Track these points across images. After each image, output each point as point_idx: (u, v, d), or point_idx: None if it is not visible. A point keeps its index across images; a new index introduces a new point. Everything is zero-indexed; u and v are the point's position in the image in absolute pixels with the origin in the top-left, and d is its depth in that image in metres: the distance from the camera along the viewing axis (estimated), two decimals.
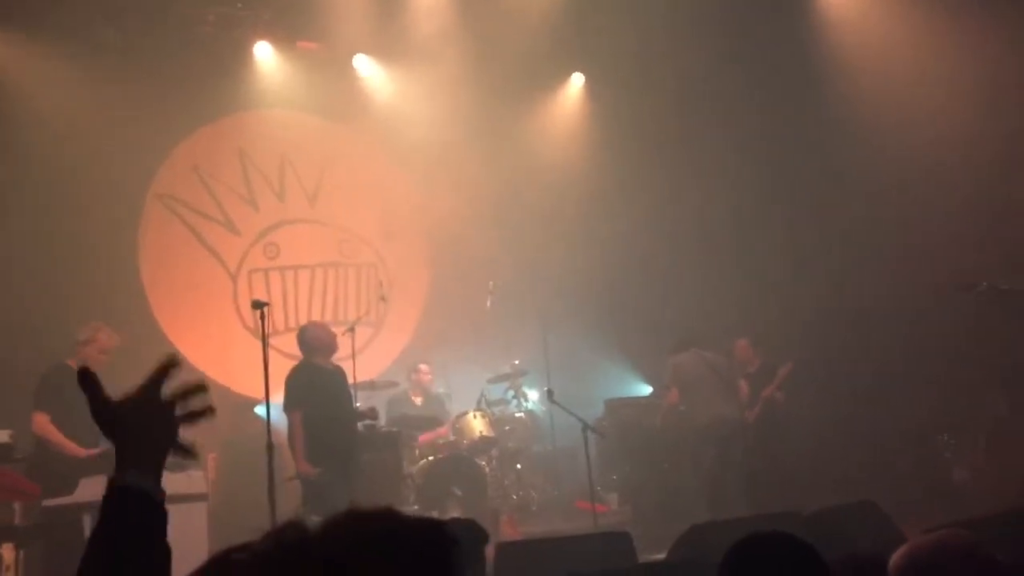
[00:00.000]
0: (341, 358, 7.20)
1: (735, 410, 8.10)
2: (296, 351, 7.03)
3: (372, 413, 6.91)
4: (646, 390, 10.12)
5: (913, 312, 8.34)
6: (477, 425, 8.57)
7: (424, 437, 8.66)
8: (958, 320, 7.87)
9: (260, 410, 6.86)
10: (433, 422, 8.82)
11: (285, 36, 9.55)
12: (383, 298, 9.23)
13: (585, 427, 7.00)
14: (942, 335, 8.12)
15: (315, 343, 6.76)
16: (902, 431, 8.40)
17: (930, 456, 8.31)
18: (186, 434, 1.56)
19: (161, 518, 1.47)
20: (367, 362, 9.10)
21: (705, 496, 7.84)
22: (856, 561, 2.36)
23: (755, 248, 9.56)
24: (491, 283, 9.51)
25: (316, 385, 6.63)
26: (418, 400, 9.17)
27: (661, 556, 4.69)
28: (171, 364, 1.54)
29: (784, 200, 9.47)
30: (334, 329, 7.30)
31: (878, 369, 8.55)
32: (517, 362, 9.27)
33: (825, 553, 2.07)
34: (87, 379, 1.49)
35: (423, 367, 9.17)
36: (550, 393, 7.49)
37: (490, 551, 4.52)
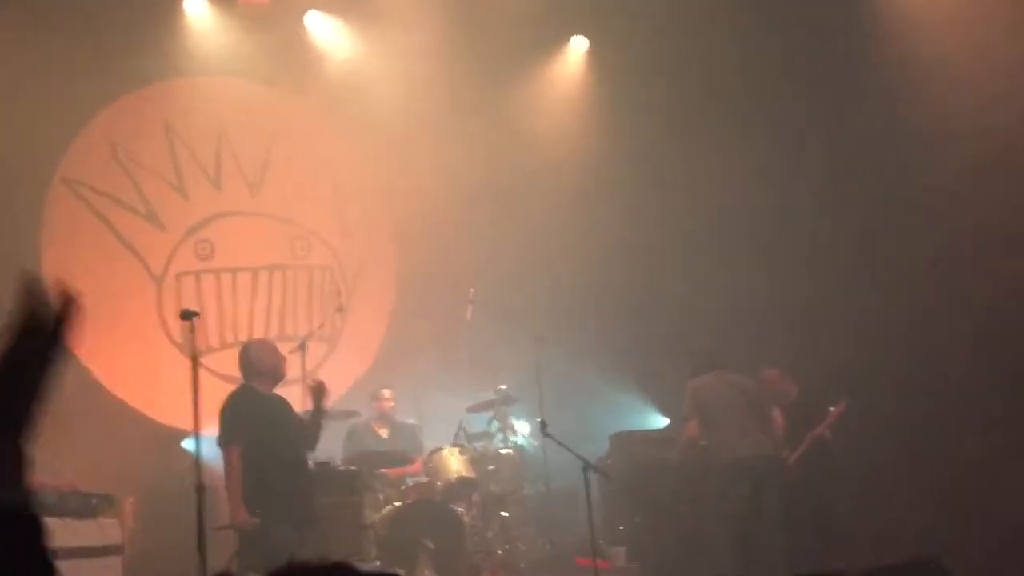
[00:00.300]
0: (288, 382, 7.26)
1: (769, 444, 8.12)
2: (234, 372, 7.08)
3: (319, 388, 6.85)
4: (661, 422, 10.18)
5: (992, 323, 8.50)
6: (454, 463, 8.61)
7: (392, 471, 8.79)
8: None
9: (189, 444, 6.92)
10: (402, 458, 8.89)
11: None
12: (340, 308, 9.26)
13: (586, 466, 7.03)
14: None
15: (259, 365, 6.84)
16: (974, 468, 8.49)
17: (1009, 501, 8.36)
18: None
19: (37, 530, 1.41)
20: None
21: (731, 550, 7.91)
22: None
23: (796, 250, 9.62)
24: (471, 290, 9.49)
25: (258, 414, 6.69)
26: (383, 432, 9.26)
27: None
28: (33, 297, 1.48)
29: (833, 192, 9.55)
30: (281, 346, 7.38)
31: (949, 393, 8.65)
32: (504, 387, 9.29)
33: None
34: None
35: (385, 392, 9.27)
36: (543, 425, 7.53)
37: None
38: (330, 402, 8.48)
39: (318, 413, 6.89)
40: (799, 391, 8.73)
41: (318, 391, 6.88)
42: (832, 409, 8.49)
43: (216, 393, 6.71)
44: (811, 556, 7.82)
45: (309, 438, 6.92)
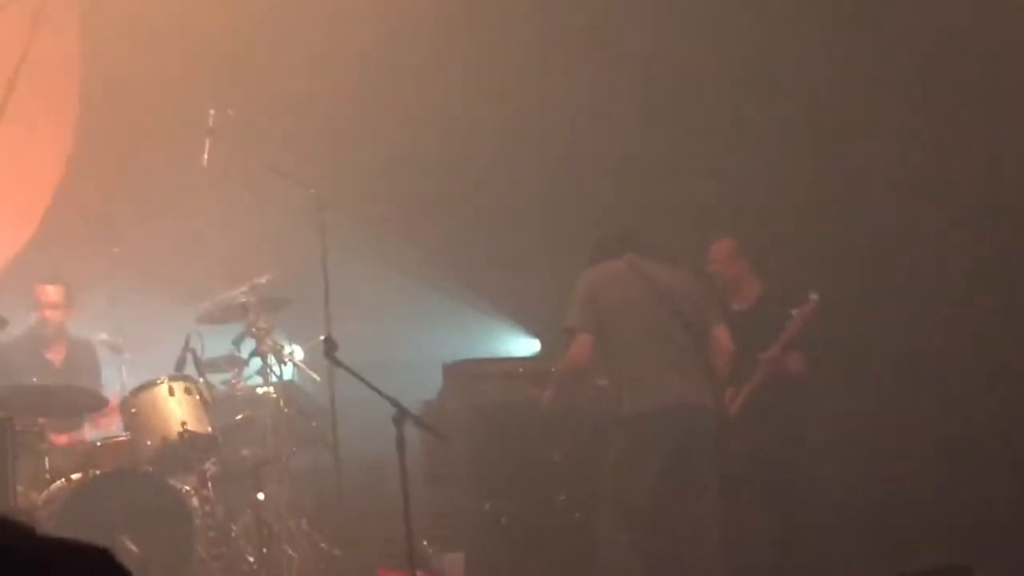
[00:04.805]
0: None
1: (705, 389, 7.97)
2: None
3: None
4: (529, 346, 10.61)
5: None
6: (175, 409, 8.45)
7: (63, 438, 8.92)
8: None
9: None
10: (88, 400, 8.83)
11: None
12: None
13: (400, 415, 6.70)
14: None
15: None
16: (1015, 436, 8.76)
17: None
18: None
19: None
20: None
21: (638, 560, 7.81)
22: None
23: (776, 84, 9.80)
24: (211, 113, 9.13)
25: None
26: (55, 356, 9.40)
27: None
28: None
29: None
30: None
31: (998, 318, 8.84)
32: (263, 280, 9.24)
33: None
34: None
35: (50, 292, 9.26)
36: (330, 346, 7.20)
37: None
38: None
39: None
40: (760, 292, 8.73)
41: None
42: (795, 312, 8.32)
43: None
44: (769, 569, 8.19)
45: None
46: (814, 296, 8.31)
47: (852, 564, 7.18)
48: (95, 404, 8.77)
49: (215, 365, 9.11)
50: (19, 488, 7.81)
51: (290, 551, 8.63)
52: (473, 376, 9.25)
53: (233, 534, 8.49)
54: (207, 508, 8.27)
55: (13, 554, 1.29)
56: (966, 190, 9.20)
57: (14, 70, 10.29)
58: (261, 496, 8.58)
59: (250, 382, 9.25)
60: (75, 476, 8.11)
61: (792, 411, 8.39)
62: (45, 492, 8.06)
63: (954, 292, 9.11)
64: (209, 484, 8.36)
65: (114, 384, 9.25)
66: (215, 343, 9.12)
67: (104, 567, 1.34)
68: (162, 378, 8.45)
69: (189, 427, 8.23)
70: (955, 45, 9.23)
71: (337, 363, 7.17)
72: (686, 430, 7.71)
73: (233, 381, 9.26)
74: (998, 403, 8.85)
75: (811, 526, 8.36)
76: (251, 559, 8.39)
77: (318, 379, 9.08)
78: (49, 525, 7.73)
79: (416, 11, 10.27)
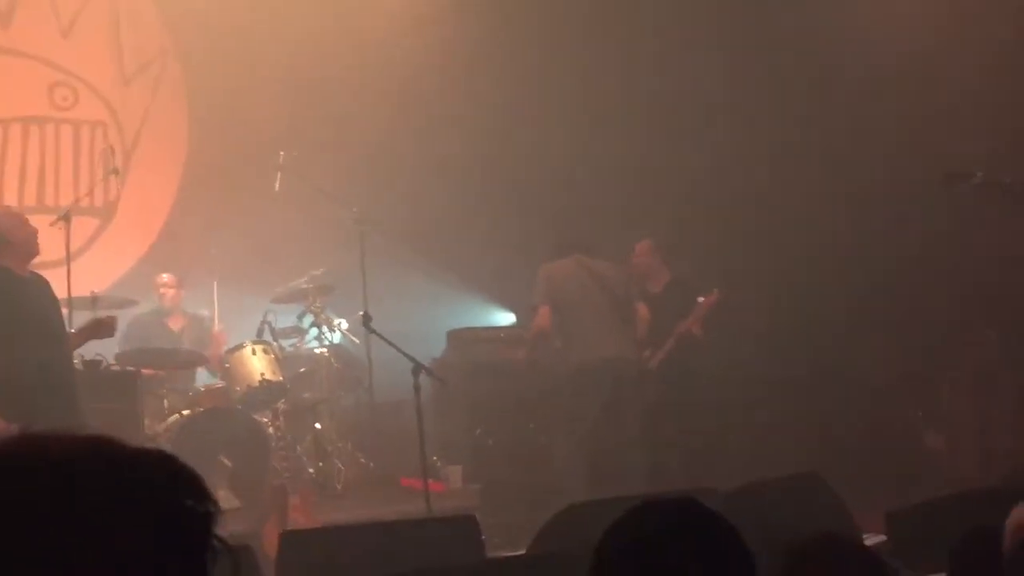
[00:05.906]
0: (47, 262, 7.28)
1: (629, 346, 8.39)
2: None
3: (107, 326, 6.91)
4: (507, 318, 10.47)
5: (883, 221, 9.14)
6: (256, 364, 8.71)
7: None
8: (940, 231, 8.71)
9: None
10: (197, 359, 9.03)
11: None
12: (115, 172, 9.06)
13: (416, 368, 7.06)
14: (922, 248, 8.89)
15: (7, 237, 6.65)
16: (861, 381, 9.18)
17: (896, 415, 9.10)
18: None
19: None
20: (89, 267, 9.11)
21: (584, 469, 8.17)
22: (797, 547, 2.50)
23: (689, 132, 9.86)
24: (281, 153, 9.38)
25: (4, 300, 6.53)
26: (176, 325, 9.43)
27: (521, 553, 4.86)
28: None
29: (739, 68, 9.79)
30: (40, 220, 7.29)
31: (835, 297, 9.20)
32: (319, 272, 9.32)
33: (750, 541, 2.10)
34: None
35: (163, 278, 9.34)
36: (366, 318, 7.56)
37: (272, 542, 4.86)
38: (102, 289, 8.88)
39: (81, 337, 6.97)
40: (669, 279, 8.96)
41: (96, 328, 6.91)
42: (701, 300, 8.66)
43: None
44: (676, 475, 8.26)
45: (65, 345, 6.94)
46: (716, 290, 8.65)
47: (735, 472, 6.82)
48: (197, 361, 9.00)
49: (285, 333, 9.29)
50: (145, 420, 8.30)
51: (339, 464, 8.84)
52: (468, 340, 9.63)
53: (298, 452, 8.81)
54: (279, 434, 8.57)
55: (105, 452, 1.36)
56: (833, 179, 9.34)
57: (140, 124, 10.50)
58: (318, 426, 8.95)
59: (309, 345, 9.41)
60: (186, 412, 8.37)
61: (694, 364, 8.68)
62: (164, 423, 8.34)
63: (811, 280, 9.27)
64: (281, 418, 8.69)
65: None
66: (284, 317, 9.38)
67: (176, 464, 1.40)
68: (247, 342, 8.78)
69: (267, 377, 8.59)
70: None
71: (372, 331, 7.54)
72: (616, 376, 8.13)
73: (297, 344, 9.46)
74: (839, 351, 9.18)
75: (706, 441, 8.55)
76: (311, 470, 8.76)
77: (358, 342, 9.15)
78: (167, 447, 6.77)
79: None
